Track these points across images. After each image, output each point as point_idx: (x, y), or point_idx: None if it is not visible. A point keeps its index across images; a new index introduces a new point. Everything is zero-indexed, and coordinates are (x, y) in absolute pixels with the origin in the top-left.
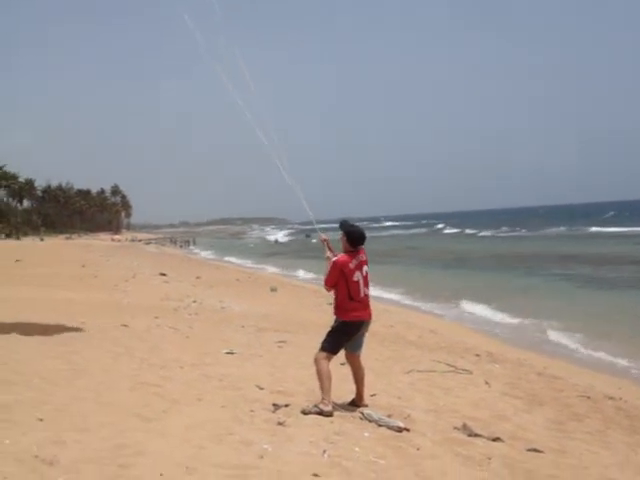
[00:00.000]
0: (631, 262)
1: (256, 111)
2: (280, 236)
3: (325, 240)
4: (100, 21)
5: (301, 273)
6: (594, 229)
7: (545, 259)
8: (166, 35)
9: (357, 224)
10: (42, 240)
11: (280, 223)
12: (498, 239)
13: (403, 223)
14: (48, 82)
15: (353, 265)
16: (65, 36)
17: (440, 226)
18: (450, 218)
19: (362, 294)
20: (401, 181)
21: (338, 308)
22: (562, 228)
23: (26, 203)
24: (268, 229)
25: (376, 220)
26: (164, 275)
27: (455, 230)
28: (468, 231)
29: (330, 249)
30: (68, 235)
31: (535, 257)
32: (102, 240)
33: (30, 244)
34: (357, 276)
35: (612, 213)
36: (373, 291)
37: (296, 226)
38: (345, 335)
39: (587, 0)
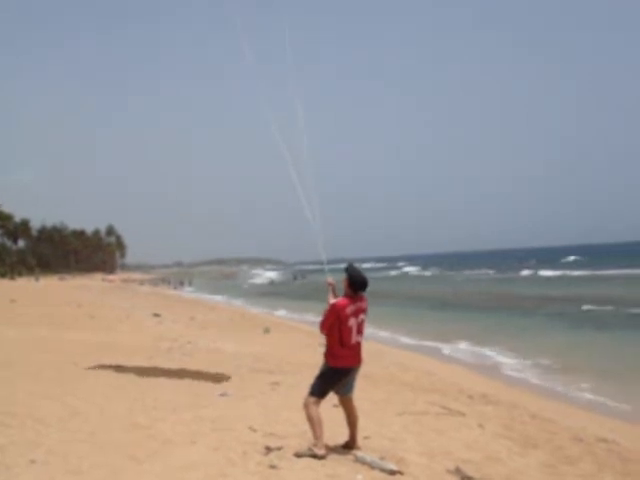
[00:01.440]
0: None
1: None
2: (275, 276)
3: (330, 284)
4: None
5: (295, 314)
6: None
7: (531, 300)
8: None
9: (361, 270)
10: (37, 280)
11: (275, 264)
12: (484, 281)
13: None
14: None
15: (350, 311)
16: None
17: (408, 269)
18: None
19: (353, 341)
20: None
21: (328, 353)
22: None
23: (21, 243)
24: (263, 270)
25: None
26: (158, 316)
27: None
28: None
29: (334, 294)
30: (61, 275)
31: (524, 298)
32: (97, 280)
33: (25, 284)
34: (351, 322)
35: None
36: (376, 332)
37: (291, 267)
38: (333, 380)
39: None
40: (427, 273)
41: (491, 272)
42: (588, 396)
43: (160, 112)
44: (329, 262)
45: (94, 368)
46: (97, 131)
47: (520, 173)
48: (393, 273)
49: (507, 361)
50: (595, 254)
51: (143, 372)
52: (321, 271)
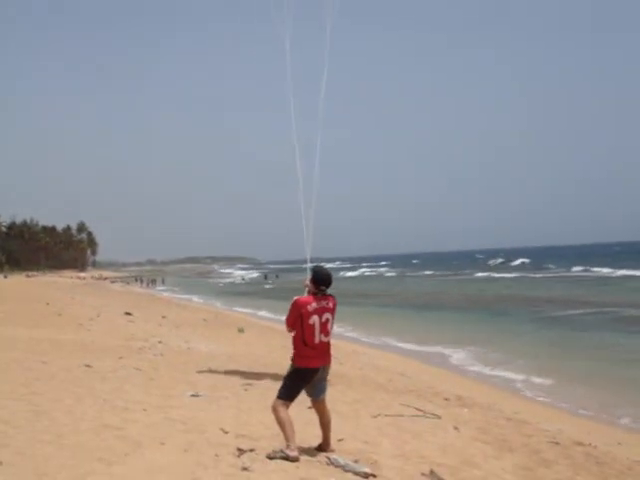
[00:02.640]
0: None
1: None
2: (248, 275)
3: (307, 285)
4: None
5: (269, 314)
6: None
7: (510, 301)
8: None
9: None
10: (5, 277)
11: (250, 262)
12: (467, 281)
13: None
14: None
15: (312, 308)
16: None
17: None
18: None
19: (317, 340)
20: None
21: (294, 353)
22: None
23: None
24: (236, 268)
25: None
26: (129, 314)
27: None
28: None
29: (308, 293)
30: (29, 273)
31: (502, 299)
32: (67, 278)
33: None
34: (313, 320)
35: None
36: (345, 331)
37: (265, 266)
38: (299, 381)
39: None
40: (390, 274)
41: (448, 272)
42: (564, 398)
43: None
44: (301, 262)
45: (63, 367)
46: (65, 125)
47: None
48: (350, 274)
49: (480, 362)
50: (553, 256)
51: (111, 371)
52: (296, 270)
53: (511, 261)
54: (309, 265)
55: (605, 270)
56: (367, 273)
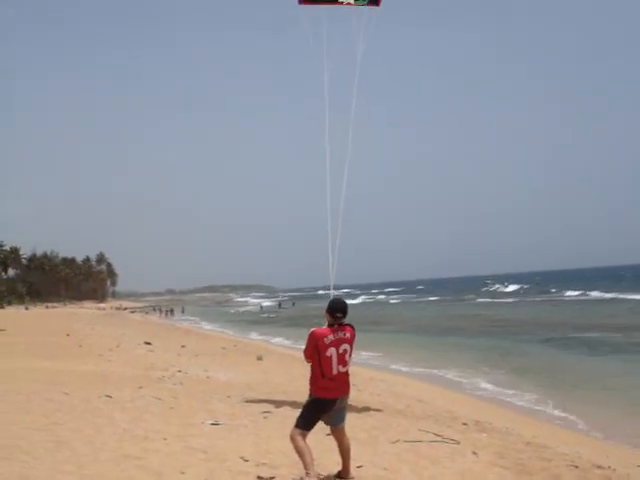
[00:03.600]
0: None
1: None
2: (266, 303)
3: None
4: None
5: (287, 341)
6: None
7: (520, 325)
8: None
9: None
10: (27, 309)
11: (267, 291)
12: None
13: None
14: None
15: (329, 340)
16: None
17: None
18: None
19: (335, 371)
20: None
21: (311, 383)
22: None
23: (11, 272)
24: (253, 297)
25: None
26: (149, 344)
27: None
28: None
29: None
30: (49, 304)
31: (512, 323)
32: (87, 308)
33: (14, 313)
34: (330, 352)
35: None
36: (362, 358)
37: (280, 294)
38: (318, 412)
39: None
40: (394, 300)
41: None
42: (581, 421)
43: (152, 143)
44: (315, 289)
45: (84, 398)
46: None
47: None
48: (357, 301)
49: (497, 386)
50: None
51: (131, 401)
52: (312, 297)
53: (523, 283)
54: (332, 292)
55: (608, 295)
56: (378, 298)
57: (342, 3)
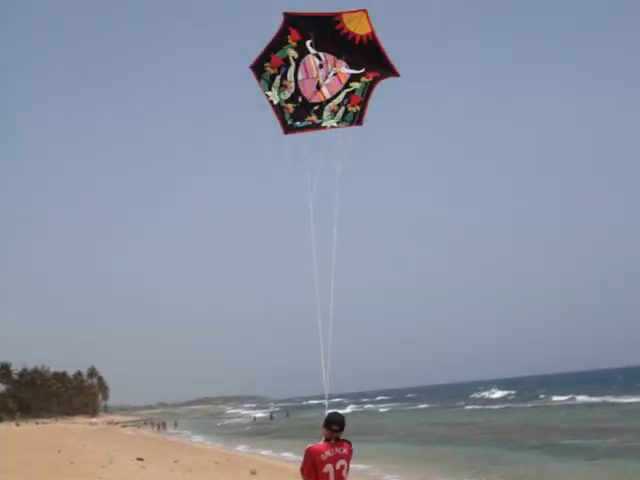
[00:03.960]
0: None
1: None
2: (259, 415)
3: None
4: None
5: (282, 454)
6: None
7: (520, 432)
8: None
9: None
10: (17, 425)
11: (260, 401)
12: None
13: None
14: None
15: (325, 456)
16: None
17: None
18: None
19: None
20: None
21: None
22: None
23: (1, 387)
24: (245, 409)
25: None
26: (141, 460)
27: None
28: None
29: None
30: (39, 420)
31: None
32: (79, 424)
33: (5, 430)
34: (327, 468)
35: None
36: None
37: (272, 404)
38: None
39: None
40: (384, 409)
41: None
42: None
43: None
44: (308, 398)
45: None
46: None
47: None
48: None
49: None
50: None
51: None
52: (305, 408)
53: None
54: (326, 401)
55: (595, 398)
56: (366, 407)
57: (325, 127)
